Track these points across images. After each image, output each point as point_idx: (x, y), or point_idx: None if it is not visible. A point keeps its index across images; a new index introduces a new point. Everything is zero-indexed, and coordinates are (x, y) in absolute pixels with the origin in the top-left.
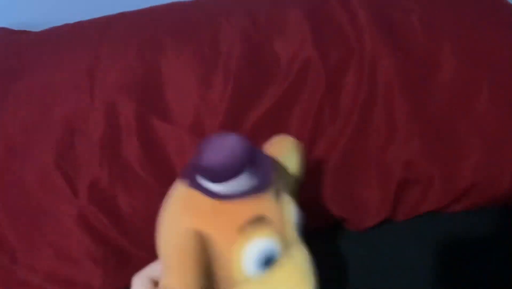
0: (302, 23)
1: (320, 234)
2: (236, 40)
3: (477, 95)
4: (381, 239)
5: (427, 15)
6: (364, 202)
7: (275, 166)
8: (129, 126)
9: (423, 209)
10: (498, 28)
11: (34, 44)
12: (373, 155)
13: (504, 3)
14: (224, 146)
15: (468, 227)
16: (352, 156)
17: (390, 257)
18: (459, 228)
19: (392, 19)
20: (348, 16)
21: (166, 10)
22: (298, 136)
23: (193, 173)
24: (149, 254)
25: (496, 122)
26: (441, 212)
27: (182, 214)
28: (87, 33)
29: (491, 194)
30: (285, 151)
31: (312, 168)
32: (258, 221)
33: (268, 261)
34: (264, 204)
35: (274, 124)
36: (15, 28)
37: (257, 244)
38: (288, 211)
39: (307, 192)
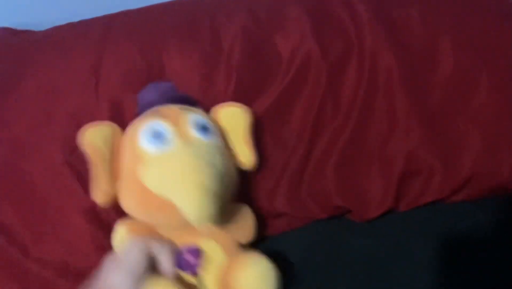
0: (302, 19)
1: (325, 224)
2: (237, 37)
3: (476, 88)
4: (384, 230)
5: (426, 10)
6: (367, 193)
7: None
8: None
9: (425, 199)
10: (497, 23)
11: (38, 43)
12: (375, 147)
13: None
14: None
15: (469, 216)
16: (354, 149)
17: (393, 247)
18: (460, 218)
19: (392, 14)
20: (348, 11)
21: (167, 8)
22: (300, 130)
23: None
24: None
25: (495, 114)
26: (443, 202)
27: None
28: (91, 32)
29: (491, 184)
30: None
31: (316, 161)
32: (156, 111)
33: (158, 136)
34: (168, 110)
35: (277, 119)
36: (19, 27)
37: (148, 123)
38: (187, 118)
39: (312, 184)
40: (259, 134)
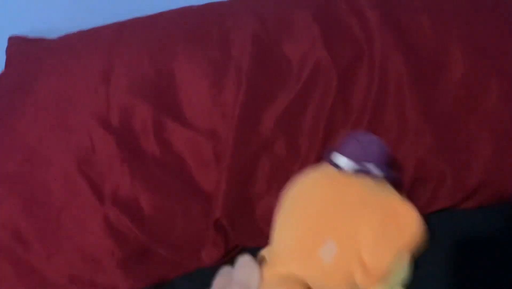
0: (310, 25)
1: None
2: (246, 43)
3: (487, 93)
4: None
5: (436, 15)
6: None
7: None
8: (146, 129)
9: (435, 206)
10: (507, 28)
11: (49, 51)
12: None
13: None
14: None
15: (480, 224)
16: None
17: None
18: (471, 225)
19: (401, 19)
20: (357, 17)
21: (177, 15)
22: (312, 136)
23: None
24: (170, 252)
25: (506, 119)
26: (453, 209)
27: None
28: (101, 39)
29: (502, 190)
30: None
31: None
32: None
33: None
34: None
35: (289, 126)
36: (31, 35)
37: None
38: None
39: None
40: (271, 141)
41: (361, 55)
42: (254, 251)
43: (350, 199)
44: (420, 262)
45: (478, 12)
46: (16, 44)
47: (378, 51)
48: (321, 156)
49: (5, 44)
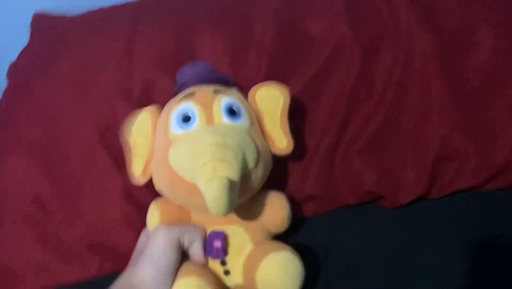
0: (333, 1)
1: (353, 209)
2: (269, 20)
3: None
4: (414, 217)
5: None
6: (400, 178)
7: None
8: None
9: (458, 186)
10: None
11: (72, 26)
12: (408, 131)
13: None
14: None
15: (504, 206)
16: (387, 133)
17: (422, 235)
18: (494, 207)
19: None
20: None
21: None
22: (332, 113)
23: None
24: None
25: None
26: (477, 190)
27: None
28: (123, 16)
29: None
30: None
31: (347, 144)
32: (189, 95)
33: (187, 120)
34: (201, 92)
35: (308, 102)
36: (54, 12)
37: (180, 108)
38: (218, 102)
39: (343, 168)
40: (290, 116)
41: (385, 33)
42: None
43: None
44: (439, 244)
45: None
46: (40, 20)
47: (404, 29)
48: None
49: (29, 21)
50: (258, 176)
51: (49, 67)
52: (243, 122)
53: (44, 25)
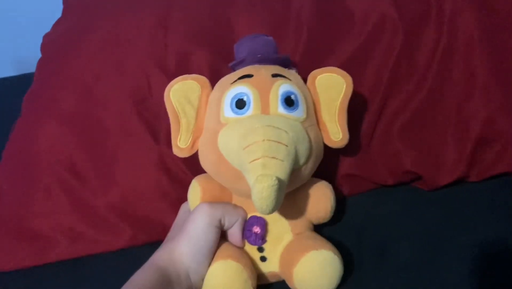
0: None
1: (390, 190)
2: None
3: None
4: (452, 200)
5: None
6: (440, 159)
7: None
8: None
9: (498, 169)
10: None
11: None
12: (450, 111)
13: None
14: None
15: None
16: (428, 113)
17: (458, 218)
18: None
19: None
20: None
21: None
22: (372, 92)
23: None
24: None
25: None
26: None
27: None
28: None
29: None
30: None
31: (387, 123)
32: (243, 77)
33: (241, 106)
34: (259, 75)
35: None
36: None
37: (237, 91)
38: (276, 89)
39: (382, 147)
40: None
41: (429, 10)
42: None
43: None
44: (478, 228)
45: None
46: None
47: (448, 7)
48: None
49: None
50: (307, 171)
51: (83, 38)
52: (299, 114)
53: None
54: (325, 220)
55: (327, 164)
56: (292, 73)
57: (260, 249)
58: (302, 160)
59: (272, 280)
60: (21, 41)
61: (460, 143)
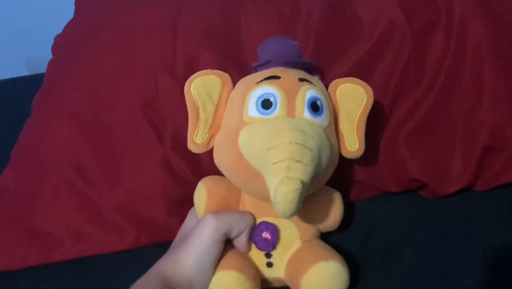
0: None
1: (395, 197)
2: (317, 0)
3: None
4: (457, 209)
5: None
6: (446, 166)
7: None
8: None
9: (505, 178)
10: None
11: (117, 1)
12: (458, 118)
13: None
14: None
15: None
16: (435, 120)
17: (463, 227)
18: None
19: None
20: None
21: None
22: (379, 98)
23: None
24: None
25: None
26: None
27: None
28: None
29: None
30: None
31: (393, 129)
32: (270, 78)
33: (267, 107)
34: (287, 78)
35: None
36: None
37: (263, 91)
38: (302, 94)
39: (388, 154)
40: None
41: (438, 18)
42: None
43: None
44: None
45: None
46: None
47: (457, 15)
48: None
49: None
50: (324, 178)
51: (93, 40)
52: (323, 120)
53: (88, 0)
54: (332, 229)
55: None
56: (316, 79)
57: (268, 255)
58: (322, 167)
59: (276, 285)
60: (33, 41)
61: (467, 152)
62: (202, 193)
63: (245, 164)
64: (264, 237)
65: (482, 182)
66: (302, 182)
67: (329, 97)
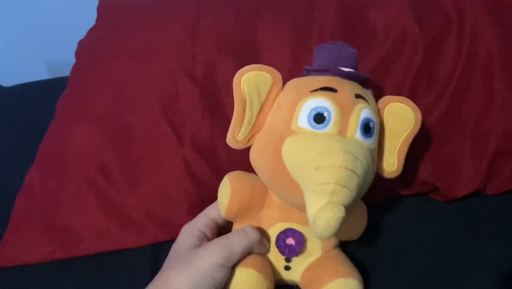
0: None
1: (406, 200)
2: (331, 8)
3: None
4: (467, 212)
5: None
6: (457, 171)
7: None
8: (227, 83)
9: None
10: None
11: (138, 7)
12: (469, 124)
13: None
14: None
15: None
16: (446, 125)
17: (474, 230)
18: None
19: None
20: None
21: None
22: None
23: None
24: None
25: None
26: None
27: None
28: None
29: None
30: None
31: None
32: (326, 89)
33: (320, 121)
34: (343, 92)
35: None
36: None
37: (317, 103)
38: (357, 113)
39: None
40: None
41: (450, 27)
42: None
43: None
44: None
45: None
46: (107, 1)
47: (469, 24)
48: None
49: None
50: (360, 196)
51: (115, 45)
52: (372, 143)
53: (110, 7)
54: (353, 239)
55: None
56: (369, 94)
57: (288, 259)
58: (365, 190)
59: (289, 284)
60: (56, 46)
61: (478, 156)
62: (227, 190)
63: (285, 172)
64: (289, 243)
65: (492, 186)
66: (345, 207)
67: (378, 114)
